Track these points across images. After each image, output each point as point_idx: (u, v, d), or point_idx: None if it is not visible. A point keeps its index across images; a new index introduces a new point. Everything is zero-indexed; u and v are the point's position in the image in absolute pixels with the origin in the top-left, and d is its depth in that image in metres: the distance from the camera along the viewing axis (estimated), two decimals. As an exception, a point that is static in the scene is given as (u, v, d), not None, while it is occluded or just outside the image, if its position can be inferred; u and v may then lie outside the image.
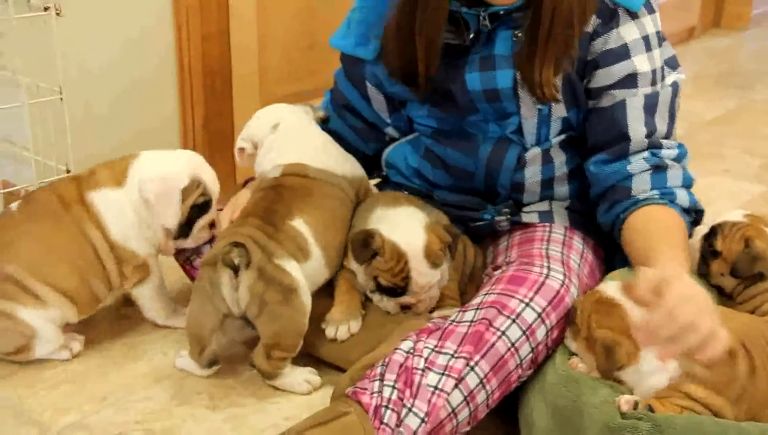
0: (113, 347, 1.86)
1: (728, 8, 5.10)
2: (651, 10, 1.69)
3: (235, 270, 1.60)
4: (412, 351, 1.49)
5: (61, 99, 2.08)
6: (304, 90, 2.61)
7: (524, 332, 1.49)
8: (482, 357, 1.47)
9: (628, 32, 1.66)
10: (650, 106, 1.67)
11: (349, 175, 1.82)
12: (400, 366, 1.47)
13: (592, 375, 1.41)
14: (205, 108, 2.53)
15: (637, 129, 1.66)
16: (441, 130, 1.81)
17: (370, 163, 1.95)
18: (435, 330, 1.54)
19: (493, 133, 1.75)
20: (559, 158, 1.76)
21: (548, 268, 1.57)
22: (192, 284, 1.87)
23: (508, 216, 1.79)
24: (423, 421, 1.42)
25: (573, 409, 1.38)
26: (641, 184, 1.65)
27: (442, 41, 1.66)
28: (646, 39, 1.68)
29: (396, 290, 1.69)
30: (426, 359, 1.47)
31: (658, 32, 1.71)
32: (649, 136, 1.67)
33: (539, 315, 1.50)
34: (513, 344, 1.48)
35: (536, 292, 1.52)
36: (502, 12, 1.65)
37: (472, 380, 1.46)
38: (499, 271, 1.64)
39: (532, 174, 1.76)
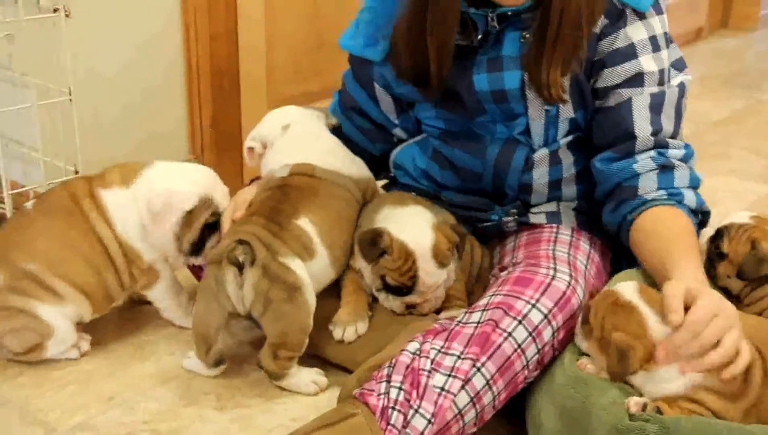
0: (120, 348, 1.86)
1: (736, 9, 5.08)
2: (659, 11, 1.69)
3: (240, 268, 1.60)
4: (418, 352, 1.49)
5: (70, 100, 2.09)
6: (311, 90, 2.61)
7: (531, 333, 1.49)
8: (489, 358, 1.47)
9: (635, 32, 1.66)
10: (656, 105, 1.67)
11: (356, 176, 1.82)
12: (407, 367, 1.47)
13: (601, 376, 1.41)
14: (213, 108, 2.53)
15: (642, 127, 1.66)
16: (449, 131, 1.81)
17: (378, 165, 1.95)
18: (441, 331, 1.54)
19: (501, 134, 1.75)
20: (567, 159, 1.76)
21: (555, 269, 1.57)
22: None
23: (516, 217, 1.79)
24: (429, 422, 1.42)
25: (581, 410, 1.37)
26: (648, 184, 1.65)
27: (454, 42, 1.66)
28: (653, 39, 1.67)
29: (403, 289, 1.69)
30: (432, 360, 1.47)
31: (665, 33, 1.71)
32: (655, 134, 1.66)
33: (546, 316, 1.50)
34: (519, 345, 1.48)
35: (543, 294, 1.52)
36: (510, 13, 1.65)
37: (478, 381, 1.46)
38: (506, 271, 1.64)
39: (540, 175, 1.76)
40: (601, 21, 1.64)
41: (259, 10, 2.53)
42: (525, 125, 1.72)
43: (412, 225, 1.69)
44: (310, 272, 1.66)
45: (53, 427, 1.60)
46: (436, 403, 1.43)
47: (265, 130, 1.87)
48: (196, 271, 1.97)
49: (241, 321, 1.69)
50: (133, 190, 1.79)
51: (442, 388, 1.44)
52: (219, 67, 2.52)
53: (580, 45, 1.62)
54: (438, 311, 1.75)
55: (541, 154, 1.74)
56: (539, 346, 1.49)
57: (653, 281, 1.54)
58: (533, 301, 1.51)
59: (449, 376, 1.45)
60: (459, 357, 1.47)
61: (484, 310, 1.52)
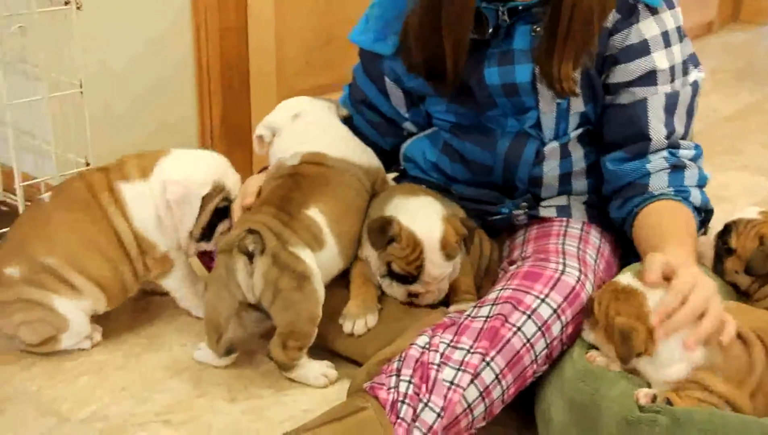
0: (132, 339, 1.88)
1: (747, 3, 5.06)
2: (671, 5, 1.69)
3: (250, 256, 1.61)
4: (428, 346, 1.50)
5: (81, 93, 2.10)
6: (321, 85, 2.61)
7: (540, 328, 1.49)
8: (498, 352, 1.47)
9: (648, 28, 1.66)
10: (670, 106, 1.67)
11: (366, 165, 1.83)
12: (416, 361, 1.48)
13: (611, 368, 1.42)
14: (223, 103, 2.54)
15: (657, 129, 1.67)
16: (459, 125, 1.82)
17: (388, 158, 1.96)
18: (451, 325, 1.54)
19: (512, 128, 1.75)
20: (577, 153, 1.76)
21: (564, 264, 1.58)
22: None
23: (526, 210, 1.79)
24: (439, 416, 1.43)
25: (591, 403, 1.38)
26: (658, 182, 1.66)
27: (469, 37, 1.67)
28: (665, 35, 1.67)
29: (408, 278, 1.70)
30: (442, 354, 1.48)
31: (678, 27, 1.70)
32: (668, 136, 1.67)
33: (555, 311, 1.51)
34: (528, 340, 1.49)
35: (552, 288, 1.53)
36: (520, 8, 1.65)
37: (487, 375, 1.46)
38: (515, 266, 1.65)
39: (551, 168, 1.76)
40: (613, 16, 1.64)
41: (269, 6, 2.54)
42: (536, 119, 1.72)
43: (422, 216, 1.70)
44: (319, 262, 1.67)
45: (66, 417, 1.62)
46: (445, 397, 1.44)
47: (275, 118, 1.87)
48: (206, 260, 1.98)
49: (252, 313, 1.70)
50: (151, 181, 1.80)
51: (452, 382, 1.45)
52: (229, 63, 2.52)
53: (591, 40, 1.62)
54: (447, 305, 1.76)
55: (552, 147, 1.74)
56: (548, 341, 1.50)
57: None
58: (542, 296, 1.52)
59: (459, 370, 1.46)
60: (468, 351, 1.47)
61: (493, 305, 1.53)
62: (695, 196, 1.67)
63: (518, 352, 1.48)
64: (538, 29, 1.65)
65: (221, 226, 1.85)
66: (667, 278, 1.39)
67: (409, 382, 1.46)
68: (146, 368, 1.78)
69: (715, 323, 1.34)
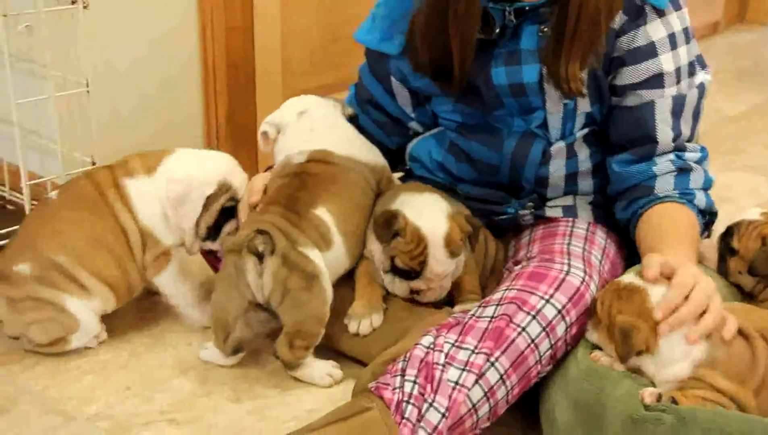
0: (137, 338, 1.88)
1: (753, 3, 5.06)
2: (678, 7, 1.69)
3: (260, 257, 1.61)
4: (432, 346, 1.50)
5: (87, 92, 2.10)
6: (326, 84, 2.61)
7: (544, 329, 1.49)
8: (502, 353, 1.47)
9: (655, 30, 1.66)
10: (677, 108, 1.68)
11: (372, 163, 1.83)
12: (421, 361, 1.48)
13: (615, 367, 1.42)
14: (229, 102, 2.54)
15: (664, 132, 1.67)
16: (466, 125, 1.82)
17: (394, 158, 1.96)
18: (455, 325, 1.54)
19: (518, 128, 1.75)
20: (583, 153, 1.77)
21: (569, 264, 1.58)
22: (214, 275, 1.89)
23: (532, 210, 1.79)
24: (444, 416, 1.43)
25: (595, 402, 1.38)
26: (664, 185, 1.67)
27: (476, 37, 1.67)
28: (672, 36, 1.67)
29: (411, 274, 1.70)
30: (447, 354, 1.48)
31: (685, 29, 1.70)
32: (675, 139, 1.67)
33: (559, 311, 1.51)
34: (533, 340, 1.49)
35: (556, 289, 1.53)
36: (527, 8, 1.65)
37: (492, 376, 1.46)
38: (520, 266, 1.65)
39: (557, 168, 1.76)
40: (620, 17, 1.64)
41: (275, 5, 2.54)
42: (543, 119, 1.72)
43: (428, 212, 1.70)
44: (327, 262, 1.67)
45: (72, 416, 1.62)
46: (450, 397, 1.44)
47: (281, 115, 1.87)
48: (211, 259, 1.98)
49: (259, 313, 1.70)
50: (156, 179, 1.81)
51: (456, 382, 1.45)
52: (235, 62, 2.53)
53: (598, 40, 1.62)
54: (451, 304, 1.76)
55: (558, 147, 1.74)
56: (552, 341, 1.50)
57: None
58: (547, 297, 1.52)
59: (463, 370, 1.46)
60: (473, 351, 1.48)
61: (498, 305, 1.53)
62: (700, 199, 1.67)
63: (523, 352, 1.48)
64: (546, 29, 1.65)
65: (228, 226, 1.85)
66: (667, 278, 1.40)
67: (414, 382, 1.46)
68: (151, 367, 1.78)
69: (716, 319, 1.35)
